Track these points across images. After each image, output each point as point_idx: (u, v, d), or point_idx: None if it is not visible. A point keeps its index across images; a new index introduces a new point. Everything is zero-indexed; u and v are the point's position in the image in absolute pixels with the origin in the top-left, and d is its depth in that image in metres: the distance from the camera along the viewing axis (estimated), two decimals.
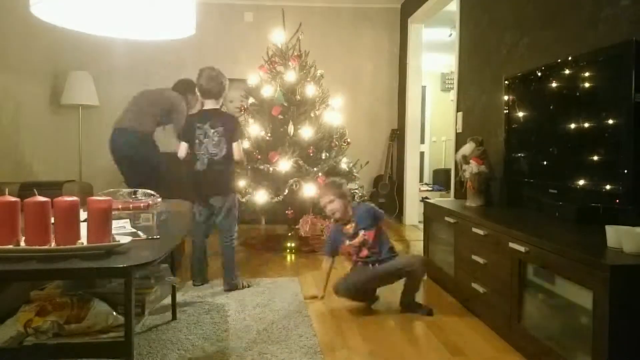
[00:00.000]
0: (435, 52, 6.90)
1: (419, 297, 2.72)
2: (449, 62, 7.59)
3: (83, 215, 1.57)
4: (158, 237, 1.75)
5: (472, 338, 2.22)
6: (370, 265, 2.56)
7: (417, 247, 4.14)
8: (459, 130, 3.92)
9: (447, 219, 2.81)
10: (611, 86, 1.98)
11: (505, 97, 2.83)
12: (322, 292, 2.73)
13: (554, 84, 2.38)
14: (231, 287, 2.88)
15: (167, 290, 2.07)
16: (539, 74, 2.50)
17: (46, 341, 1.44)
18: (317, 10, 5.61)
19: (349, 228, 2.63)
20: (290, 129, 3.92)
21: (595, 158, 2.07)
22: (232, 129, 2.90)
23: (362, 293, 2.58)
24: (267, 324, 2.33)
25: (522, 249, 1.95)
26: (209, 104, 2.94)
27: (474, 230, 2.41)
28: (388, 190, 5.53)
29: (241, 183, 3.94)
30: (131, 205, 1.89)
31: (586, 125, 2.14)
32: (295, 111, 3.99)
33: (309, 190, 3.77)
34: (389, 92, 5.81)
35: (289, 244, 4.05)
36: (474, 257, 2.41)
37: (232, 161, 2.94)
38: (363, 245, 2.58)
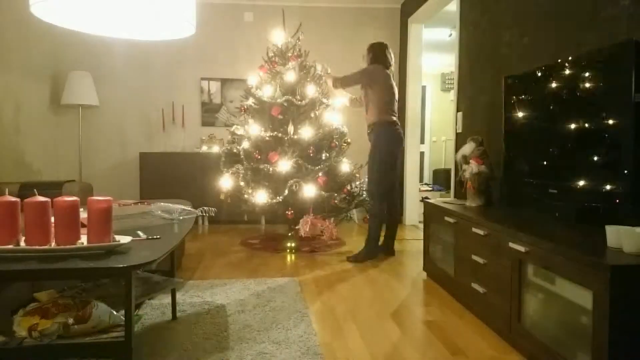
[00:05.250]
0: (435, 52, 6.90)
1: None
2: (449, 62, 7.58)
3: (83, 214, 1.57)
4: (158, 237, 1.75)
5: (472, 338, 2.22)
6: None
7: (417, 246, 4.14)
8: (459, 130, 3.92)
9: (447, 219, 2.81)
10: (611, 86, 1.98)
11: (505, 97, 2.83)
12: None
13: (554, 84, 2.38)
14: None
15: (153, 287, 2.04)
16: (539, 74, 2.50)
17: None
18: (317, 10, 5.61)
19: None
20: (290, 129, 3.93)
21: (595, 158, 2.07)
22: None
23: None
24: (267, 324, 2.33)
25: (522, 249, 1.96)
26: None
27: (474, 230, 2.42)
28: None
29: (241, 183, 3.94)
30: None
31: (586, 125, 2.13)
32: (295, 111, 4.00)
33: (309, 190, 3.78)
34: None
35: (289, 244, 4.05)
36: (474, 257, 2.41)
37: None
38: None
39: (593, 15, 2.31)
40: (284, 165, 3.81)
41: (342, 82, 3.80)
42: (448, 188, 5.30)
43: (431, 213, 3.16)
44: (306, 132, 3.90)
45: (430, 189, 6.96)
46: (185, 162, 5.14)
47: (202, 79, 5.53)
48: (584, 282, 1.60)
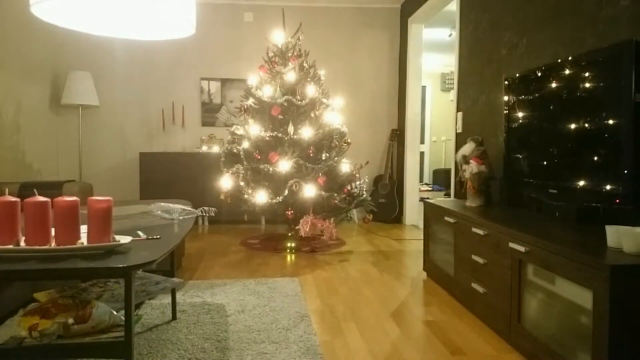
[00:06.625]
0: (435, 52, 6.91)
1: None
2: (449, 62, 7.60)
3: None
4: (158, 237, 1.75)
5: (472, 338, 2.22)
6: None
7: (417, 246, 4.14)
8: (459, 130, 3.93)
9: (447, 219, 2.81)
10: (611, 86, 1.98)
11: (505, 97, 2.83)
12: None
13: (553, 84, 2.38)
14: None
15: (153, 287, 2.05)
16: (539, 74, 2.50)
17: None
18: (317, 10, 5.61)
19: None
20: (290, 129, 3.93)
21: (595, 158, 2.07)
22: None
23: None
24: (267, 324, 2.33)
25: (522, 249, 1.96)
26: None
27: (474, 230, 2.42)
28: (388, 190, 5.53)
29: (241, 183, 3.94)
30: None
31: (586, 125, 2.13)
32: (295, 111, 4.00)
33: (309, 190, 3.78)
34: (389, 92, 5.81)
35: (289, 244, 4.05)
36: (474, 257, 2.41)
37: None
38: None
39: (593, 15, 2.31)
40: (284, 165, 3.81)
41: None
42: (448, 188, 5.29)
43: (431, 213, 3.16)
44: (306, 132, 3.90)
45: (430, 189, 6.97)
46: (185, 162, 5.15)
47: (202, 79, 5.53)
48: (584, 282, 1.60)
